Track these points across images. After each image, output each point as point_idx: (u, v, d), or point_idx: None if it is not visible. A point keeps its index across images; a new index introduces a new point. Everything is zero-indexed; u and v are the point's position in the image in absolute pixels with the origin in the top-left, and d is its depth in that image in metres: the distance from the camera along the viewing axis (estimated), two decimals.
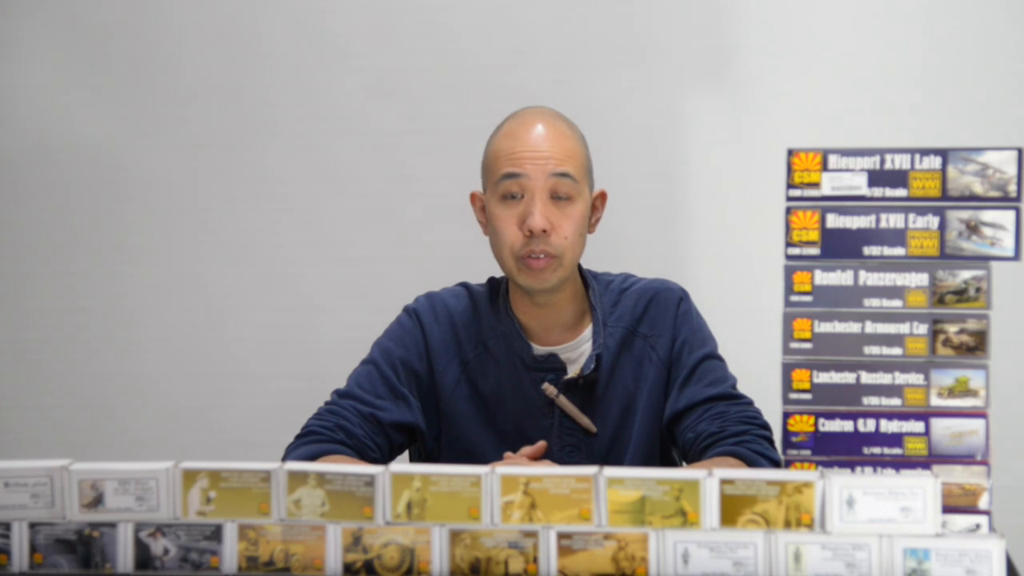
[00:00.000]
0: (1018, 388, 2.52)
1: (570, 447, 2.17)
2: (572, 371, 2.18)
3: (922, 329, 1.60)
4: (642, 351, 2.20)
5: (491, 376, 2.19)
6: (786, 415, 1.62)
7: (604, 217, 2.24)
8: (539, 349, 2.18)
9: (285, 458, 2.07)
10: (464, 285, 2.27)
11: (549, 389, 2.16)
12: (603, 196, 2.21)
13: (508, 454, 2.04)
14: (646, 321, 2.21)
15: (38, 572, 1.53)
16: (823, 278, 1.62)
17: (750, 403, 2.17)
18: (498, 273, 2.25)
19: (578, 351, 2.19)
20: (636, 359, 2.19)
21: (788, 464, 1.62)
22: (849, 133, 3.02)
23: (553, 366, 2.17)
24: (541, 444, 2.07)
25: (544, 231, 2.09)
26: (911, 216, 1.61)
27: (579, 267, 2.22)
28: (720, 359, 2.22)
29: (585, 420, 2.16)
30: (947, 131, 2.96)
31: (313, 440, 2.10)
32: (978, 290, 1.59)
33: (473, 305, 2.22)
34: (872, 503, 1.45)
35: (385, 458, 2.15)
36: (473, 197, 2.23)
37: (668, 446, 2.22)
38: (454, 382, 2.19)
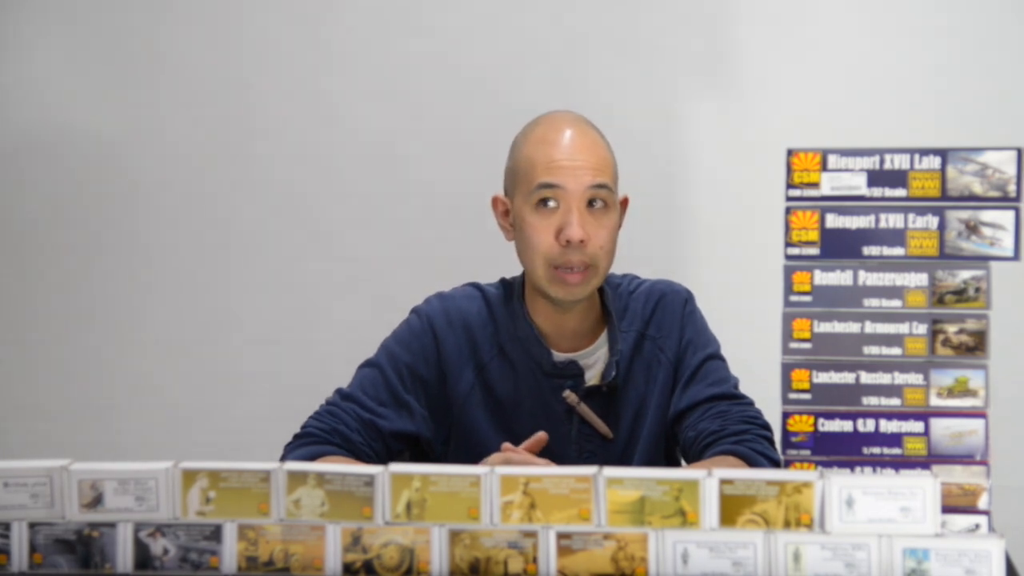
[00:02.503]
0: (1018, 388, 2.51)
1: (588, 453, 2.15)
2: (589, 377, 2.17)
3: (921, 329, 1.60)
4: (651, 354, 2.19)
5: (507, 381, 2.16)
6: (785, 415, 1.62)
7: None
8: (559, 356, 2.16)
9: (283, 459, 2.07)
10: (475, 286, 2.23)
11: (571, 396, 2.14)
12: (625, 202, 2.18)
13: (506, 445, 2.00)
14: (654, 323, 2.20)
15: (38, 572, 1.53)
16: (822, 278, 1.62)
17: (751, 403, 2.17)
18: (494, 273, 2.24)
19: (594, 357, 2.18)
20: (646, 362, 2.18)
21: (788, 464, 1.62)
22: (849, 133, 3.01)
23: (572, 373, 2.16)
24: (540, 436, 2.02)
25: (581, 241, 2.06)
26: (910, 216, 1.60)
27: None
28: (723, 359, 2.22)
29: (603, 426, 2.15)
30: (947, 131, 2.96)
31: (310, 442, 2.09)
32: (977, 290, 1.59)
33: (488, 308, 2.19)
34: (871, 503, 1.45)
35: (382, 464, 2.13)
36: (495, 201, 2.18)
37: (672, 446, 2.21)
38: (468, 388, 2.16)
